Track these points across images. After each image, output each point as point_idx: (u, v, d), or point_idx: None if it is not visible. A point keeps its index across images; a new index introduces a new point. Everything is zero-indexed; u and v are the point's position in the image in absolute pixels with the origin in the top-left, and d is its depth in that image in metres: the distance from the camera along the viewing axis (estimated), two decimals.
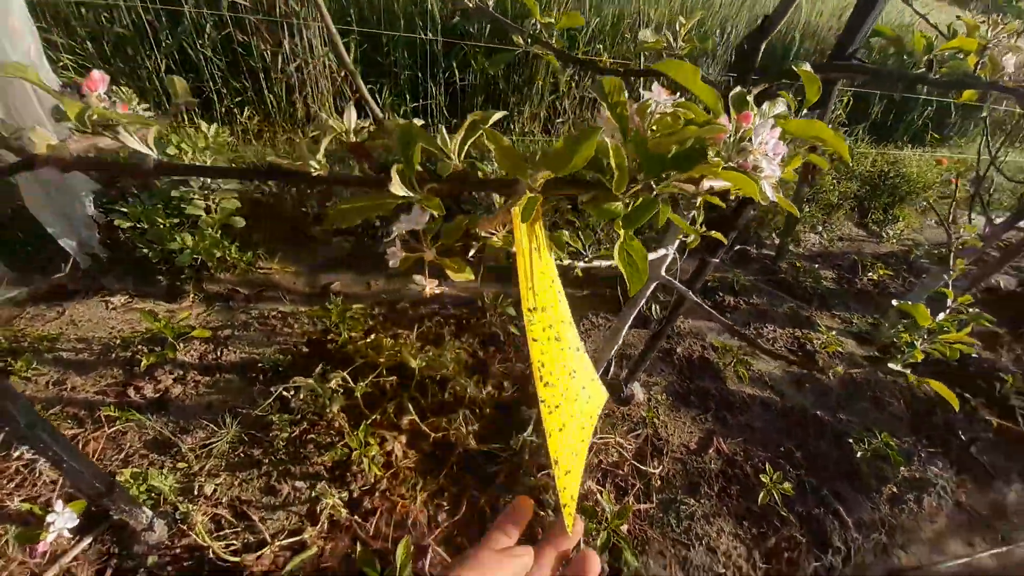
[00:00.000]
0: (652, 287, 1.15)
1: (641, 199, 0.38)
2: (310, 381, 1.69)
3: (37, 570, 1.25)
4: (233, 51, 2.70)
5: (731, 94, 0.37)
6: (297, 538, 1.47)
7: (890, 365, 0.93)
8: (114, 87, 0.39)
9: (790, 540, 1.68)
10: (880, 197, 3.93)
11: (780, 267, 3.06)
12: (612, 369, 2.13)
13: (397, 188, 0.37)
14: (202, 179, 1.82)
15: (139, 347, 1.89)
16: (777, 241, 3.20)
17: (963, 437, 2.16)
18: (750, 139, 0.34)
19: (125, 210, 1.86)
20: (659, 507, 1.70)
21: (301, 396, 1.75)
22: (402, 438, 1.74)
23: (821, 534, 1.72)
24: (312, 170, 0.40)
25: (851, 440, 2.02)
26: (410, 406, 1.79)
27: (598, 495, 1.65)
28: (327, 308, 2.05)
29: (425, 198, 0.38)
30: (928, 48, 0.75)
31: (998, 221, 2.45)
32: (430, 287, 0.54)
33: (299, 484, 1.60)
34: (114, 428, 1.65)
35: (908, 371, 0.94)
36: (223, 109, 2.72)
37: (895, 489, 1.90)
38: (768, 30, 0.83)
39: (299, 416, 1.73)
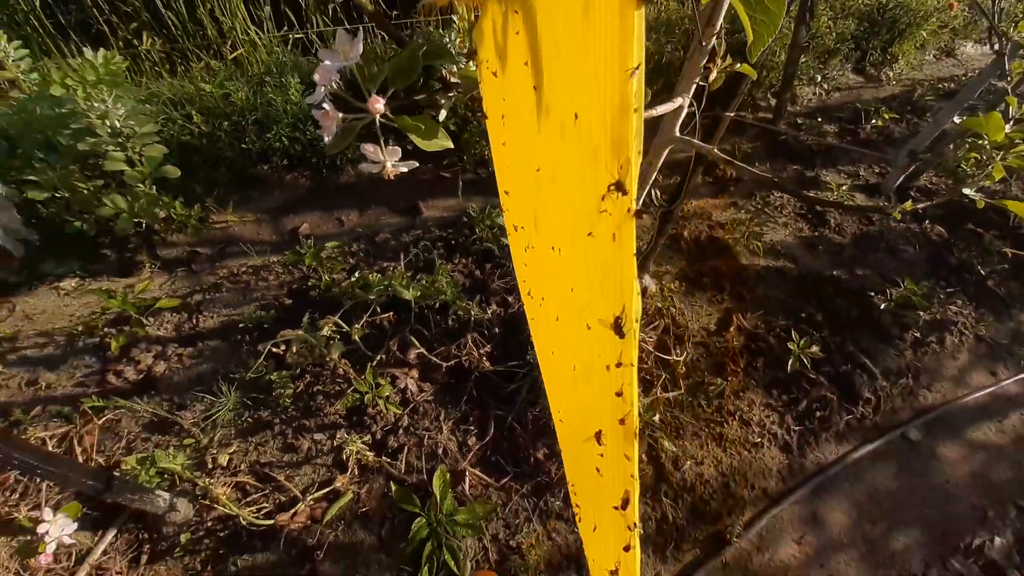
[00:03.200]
0: (665, 153, 0.96)
1: None
2: (300, 332, 1.55)
3: (65, 573, 1.20)
4: None
5: None
6: (329, 488, 1.42)
7: (964, 191, 0.79)
8: None
9: (820, 400, 1.67)
10: (879, 34, 3.57)
11: (779, 128, 2.83)
12: None
13: None
14: (112, 125, 1.51)
15: (105, 330, 1.72)
16: (774, 102, 2.93)
17: (982, 272, 2.11)
18: None
19: (35, 178, 1.57)
20: (687, 392, 1.67)
21: (295, 350, 1.61)
22: (413, 373, 1.65)
23: (850, 389, 1.71)
24: None
25: (872, 294, 1.95)
26: (414, 339, 1.67)
27: None
28: (300, 253, 1.85)
29: None
30: None
31: None
32: (390, 164, 0.36)
33: (318, 436, 1.53)
34: (105, 418, 1.53)
35: (980, 196, 0.80)
36: (119, 43, 2.27)
37: (917, 334, 1.88)
38: None
39: (298, 370, 1.61)
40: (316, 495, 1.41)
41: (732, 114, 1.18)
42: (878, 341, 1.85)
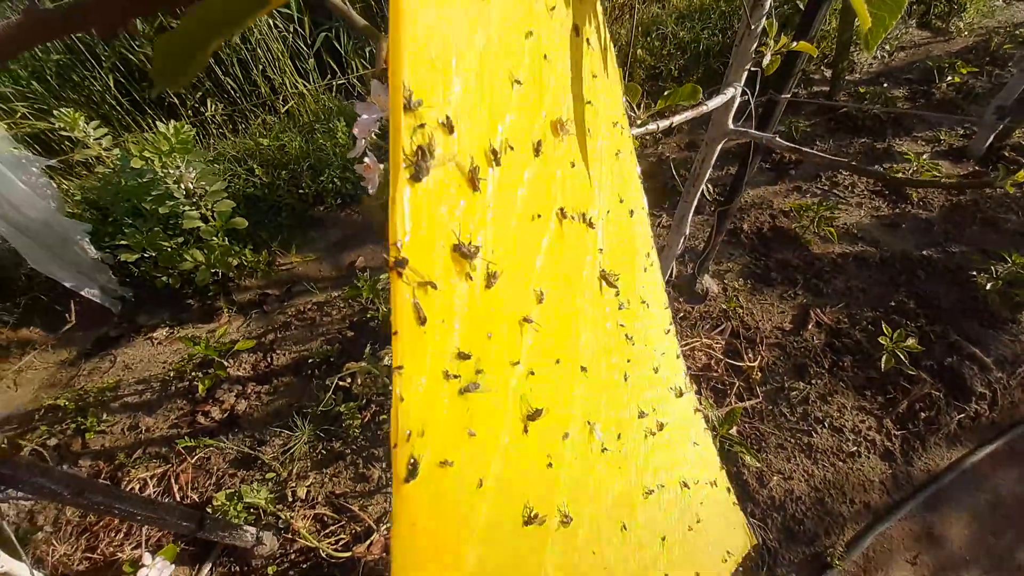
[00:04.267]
0: (719, 146, 0.90)
1: None
2: (363, 364, 1.59)
3: None
4: None
5: None
6: None
7: None
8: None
9: (924, 399, 1.49)
10: None
11: (838, 101, 2.62)
12: (674, 267, 1.91)
13: None
14: (186, 187, 1.67)
15: (193, 374, 1.86)
16: (828, 73, 2.72)
17: None
18: None
19: (126, 242, 1.75)
20: (766, 400, 1.54)
21: (360, 381, 1.67)
22: None
23: (959, 383, 1.51)
24: None
25: (973, 273, 1.73)
26: None
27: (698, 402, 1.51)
28: (357, 286, 1.92)
29: None
30: None
31: None
32: None
33: (386, 464, 1.56)
34: (196, 456, 1.64)
35: None
36: (188, 111, 2.52)
37: None
38: None
39: (364, 401, 1.66)
40: (389, 524, 1.43)
41: (788, 96, 1.10)
42: (987, 326, 1.62)
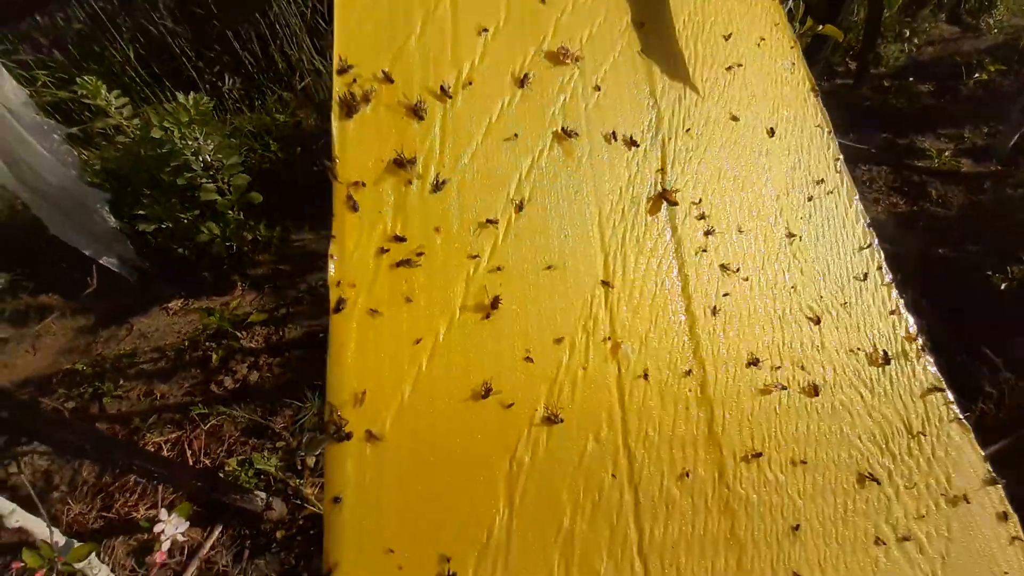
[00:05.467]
0: None
1: None
2: None
3: (178, 568, 1.33)
4: (192, 17, 2.44)
5: None
6: None
7: None
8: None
9: None
10: None
11: (862, 94, 2.57)
12: None
13: None
14: (204, 159, 1.68)
15: (207, 344, 1.90)
16: (854, 65, 2.67)
17: None
18: None
19: (144, 212, 1.78)
20: None
21: None
22: None
23: (974, 389, 1.50)
24: None
25: (988, 273, 1.71)
26: None
27: None
28: None
29: None
30: None
31: None
32: None
33: None
34: (209, 424, 1.69)
35: None
36: (206, 85, 2.53)
37: None
38: None
39: None
40: None
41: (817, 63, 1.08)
42: (1006, 327, 1.61)
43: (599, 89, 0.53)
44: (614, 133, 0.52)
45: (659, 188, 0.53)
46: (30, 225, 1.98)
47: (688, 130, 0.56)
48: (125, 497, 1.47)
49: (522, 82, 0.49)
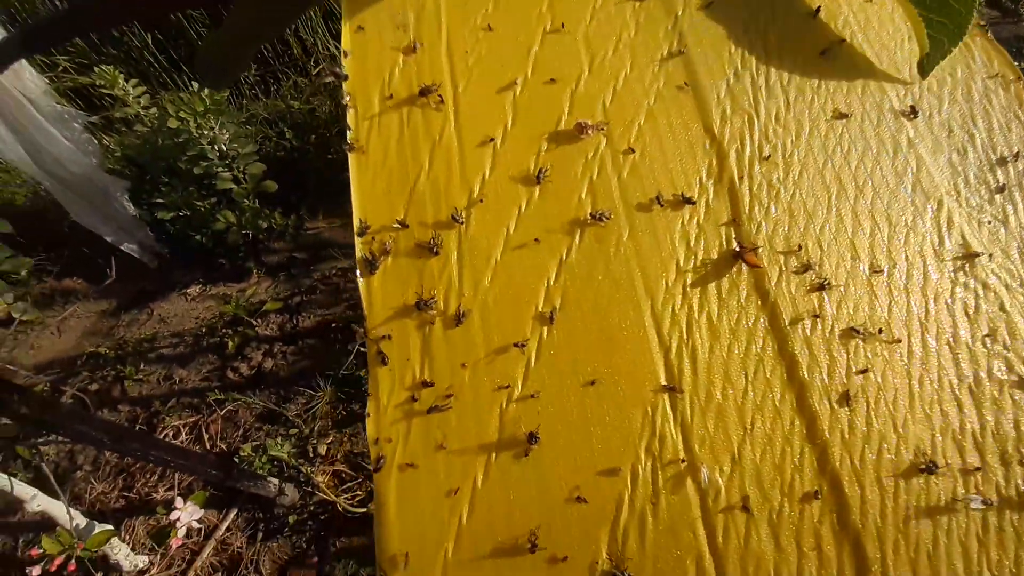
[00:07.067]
0: None
1: None
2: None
3: (196, 547, 1.38)
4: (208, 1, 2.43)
5: None
6: None
7: None
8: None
9: None
10: None
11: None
12: None
13: None
14: (220, 148, 1.69)
15: (224, 331, 1.93)
16: None
17: None
18: None
19: (162, 200, 1.80)
20: None
21: None
22: None
23: None
24: None
25: None
26: None
27: None
28: None
29: None
30: None
31: None
32: None
33: None
34: (225, 409, 1.73)
35: None
36: None
37: None
38: None
39: None
40: None
41: None
42: None
43: (632, 151, 0.45)
44: (659, 197, 0.43)
45: (733, 247, 0.42)
46: (53, 211, 2.03)
47: (767, 157, 0.45)
48: (145, 478, 1.52)
49: (538, 178, 0.44)
